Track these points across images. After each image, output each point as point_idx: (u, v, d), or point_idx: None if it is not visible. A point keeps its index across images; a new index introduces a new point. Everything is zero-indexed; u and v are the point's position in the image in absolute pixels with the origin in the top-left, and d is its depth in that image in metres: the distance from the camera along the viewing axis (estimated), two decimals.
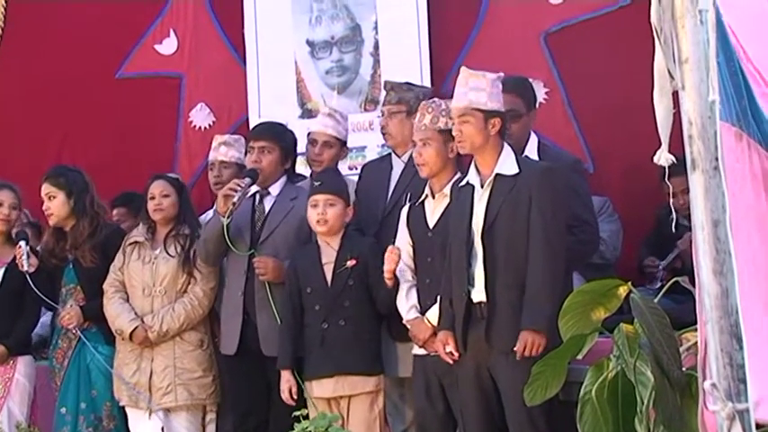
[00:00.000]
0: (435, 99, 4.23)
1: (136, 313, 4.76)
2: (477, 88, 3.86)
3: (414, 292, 4.17)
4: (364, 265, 4.29)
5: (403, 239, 4.23)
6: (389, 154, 4.63)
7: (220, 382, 4.77)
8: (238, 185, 4.48)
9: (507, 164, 3.87)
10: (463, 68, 3.97)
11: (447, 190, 4.10)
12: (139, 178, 5.32)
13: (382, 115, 4.57)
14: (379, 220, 4.46)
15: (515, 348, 3.69)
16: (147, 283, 4.79)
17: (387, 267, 4.14)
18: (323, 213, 4.31)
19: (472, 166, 3.95)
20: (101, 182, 5.18)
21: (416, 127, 4.17)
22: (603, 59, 5.42)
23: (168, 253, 4.80)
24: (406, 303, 4.16)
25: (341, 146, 4.87)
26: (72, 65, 6.39)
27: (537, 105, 4.46)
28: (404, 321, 4.16)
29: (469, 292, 3.83)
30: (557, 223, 3.80)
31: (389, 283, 4.16)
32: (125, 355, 4.79)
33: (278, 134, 4.70)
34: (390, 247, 4.15)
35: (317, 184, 4.42)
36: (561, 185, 3.91)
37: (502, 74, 3.96)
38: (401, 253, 4.15)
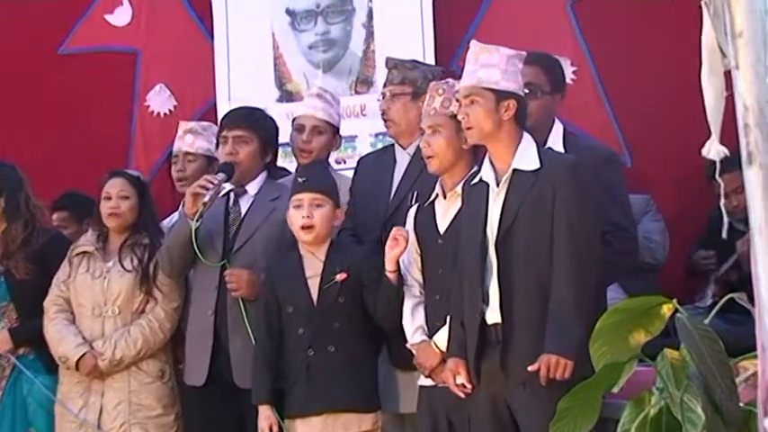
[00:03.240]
0: (448, 79, 4.24)
1: (84, 337, 4.77)
2: (488, 65, 3.87)
3: (421, 311, 4.18)
4: (357, 277, 4.30)
5: (410, 246, 4.23)
6: (392, 145, 4.64)
7: (184, 420, 4.78)
8: (210, 182, 4.49)
9: (527, 157, 3.87)
10: (473, 42, 3.98)
11: (461, 188, 4.11)
12: (85, 175, 5.34)
13: (383, 98, 4.58)
14: (380, 225, 4.45)
15: (538, 370, 3.67)
16: (97, 301, 4.80)
17: (391, 254, 4.12)
18: (308, 216, 4.32)
19: (486, 159, 3.96)
20: (38, 179, 5.21)
21: (425, 112, 4.18)
22: (642, 32, 5.45)
23: (123, 266, 4.81)
24: (412, 324, 4.17)
25: (333, 132, 4.89)
26: (5, 39, 6.40)
27: (565, 89, 4.45)
28: (408, 345, 4.18)
29: (483, 312, 3.85)
30: (587, 228, 3.81)
31: (392, 276, 4.15)
32: (70, 387, 4.80)
33: (257, 122, 4.71)
34: (396, 228, 4.12)
35: (300, 180, 4.42)
36: (593, 183, 3.92)
37: (523, 53, 3.95)
38: (409, 241, 4.13)
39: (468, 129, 3.90)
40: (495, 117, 3.85)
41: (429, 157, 4.14)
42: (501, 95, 3.85)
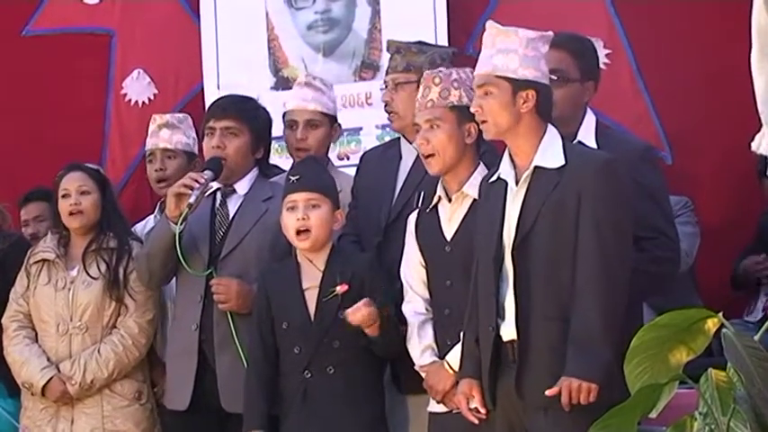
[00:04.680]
0: (441, 68, 4.25)
1: (48, 359, 4.78)
2: (505, 50, 3.85)
3: (429, 329, 4.19)
4: (359, 289, 4.30)
5: (412, 257, 4.25)
6: (398, 139, 4.66)
7: None
8: (196, 181, 4.49)
9: (550, 153, 3.86)
10: (489, 24, 3.95)
11: (467, 189, 4.13)
12: (53, 174, 5.34)
13: (386, 87, 4.59)
14: (383, 229, 4.48)
15: (557, 395, 3.66)
16: (62, 316, 4.81)
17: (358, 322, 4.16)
18: (304, 219, 4.33)
19: (505, 155, 3.95)
20: (1, 178, 5.22)
21: (420, 105, 4.19)
22: (685, 13, 5.44)
23: (89, 274, 4.82)
24: (419, 344, 4.18)
25: (330, 123, 4.91)
26: None
27: (599, 76, 4.43)
28: (416, 367, 4.19)
29: (498, 327, 3.84)
30: (618, 233, 3.79)
31: (370, 330, 4.17)
32: (35, 414, 4.81)
33: (248, 112, 4.72)
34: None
35: (293, 178, 4.42)
36: (626, 183, 3.91)
37: (549, 33, 3.94)
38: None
39: (483, 123, 3.89)
40: (511, 110, 3.84)
41: (429, 155, 4.13)
42: (518, 85, 3.83)
